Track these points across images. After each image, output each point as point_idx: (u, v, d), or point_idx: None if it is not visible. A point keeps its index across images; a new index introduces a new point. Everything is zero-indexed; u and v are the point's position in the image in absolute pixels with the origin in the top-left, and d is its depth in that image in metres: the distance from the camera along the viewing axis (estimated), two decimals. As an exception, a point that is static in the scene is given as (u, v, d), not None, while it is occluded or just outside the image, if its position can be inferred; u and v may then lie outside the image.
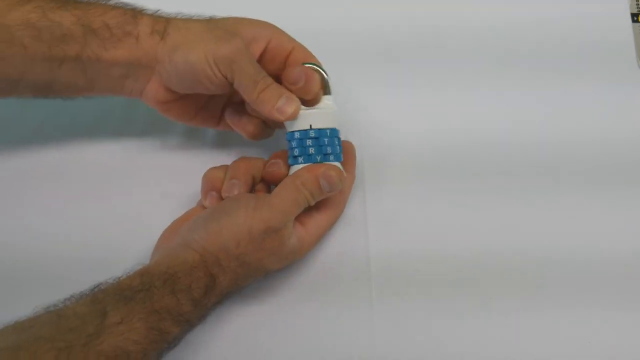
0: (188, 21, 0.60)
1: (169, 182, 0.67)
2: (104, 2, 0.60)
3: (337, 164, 0.61)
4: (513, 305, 0.64)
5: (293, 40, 0.63)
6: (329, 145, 0.61)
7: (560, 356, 0.62)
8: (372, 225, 0.67)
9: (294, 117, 0.60)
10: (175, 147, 0.70)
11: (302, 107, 0.60)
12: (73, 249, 0.65)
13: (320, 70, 0.61)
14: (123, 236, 0.65)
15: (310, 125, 0.60)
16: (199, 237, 0.57)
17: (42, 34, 0.56)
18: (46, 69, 0.58)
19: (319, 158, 0.60)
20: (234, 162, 0.63)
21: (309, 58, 0.62)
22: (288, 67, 0.62)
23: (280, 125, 0.63)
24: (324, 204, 0.62)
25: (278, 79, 0.62)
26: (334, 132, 0.61)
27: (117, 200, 0.67)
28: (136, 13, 0.59)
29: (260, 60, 0.62)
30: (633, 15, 0.79)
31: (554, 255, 0.66)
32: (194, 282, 0.55)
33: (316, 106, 0.61)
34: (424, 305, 0.64)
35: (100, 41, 0.58)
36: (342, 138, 0.64)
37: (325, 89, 0.62)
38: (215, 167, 0.63)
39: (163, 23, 0.59)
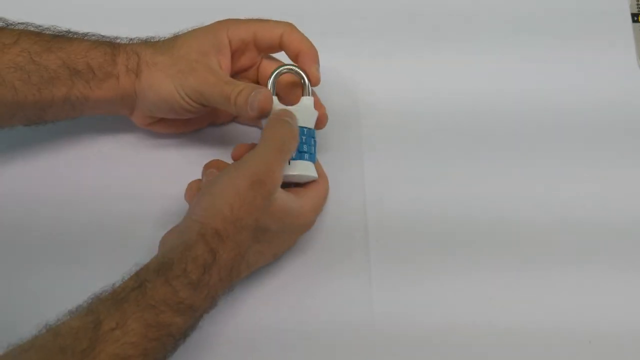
0: (155, 54, 0.62)
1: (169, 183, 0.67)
2: (83, 36, 0.63)
3: (311, 164, 0.62)
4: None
5: (255, 24, 0.64)
6: (305, 144, 0.61)
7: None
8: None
9: (265, 106, 0.60)
10: (175, 148, 0.71)
11: (280, 105, 0.62)
12: (71, 249, 0.66)
13: (300, 73, 0.63)
14: (121, 238, 0.66)
15: None
16: (196, 216, 0.56)
17: (32, 77, 0.60)
18: (36, 109, 0.61)
19: (293, 154, 0.61)
20: (207, 162, 0.64)
21: (302, 43, 0.63)
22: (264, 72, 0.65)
23: None
24: (312, 185, 0.63)
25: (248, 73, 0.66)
26: (310, 132, 0.62)
27: (115, 199, 0.68)
28: (114, 50, 0.62)
29: (235, 59, 0.64)
30: (633, 15, 0.78)
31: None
32: (189, 264, 0.54)
33: (295, 105, 0.63)
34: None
35: (85, 82, 0.61)
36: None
37: (305, 90, 0.63)
38: (195, 179, 0.64)
39: (135, 60, 0.62)
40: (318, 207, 0.63)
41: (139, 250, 0.61)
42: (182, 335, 0.55)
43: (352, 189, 0.68)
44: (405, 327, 0.63)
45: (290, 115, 0.60)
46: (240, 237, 0.56)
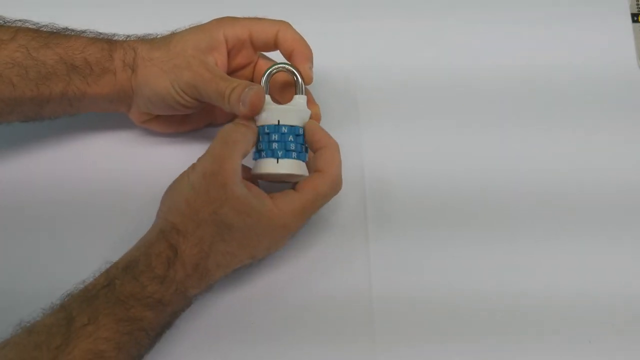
0: (151, 50, 0.63)
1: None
2: (80, 33, 0.64)
3: (299, 162, 0.62)
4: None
5: (251, 22, 0.64)
6: (293, 142, 0.61)
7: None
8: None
9: (256, 102, 0.59)
10: (174, 146, 0.71)
11: (271, 104, 0.62)
12: (67, 246, 0.66)
13: (294, 71, 0.63)
14: (118, 235, 0.66)
15: (279, 121, 0.61)
16: (160, 212, 0.59)
17: (29, 73, 0.60)
18: (34, 105, 0.62)
19: (280, 153, 0.61)
20: None
21: (297, 42, 0.63)
22: (258, 71, 0.66)
23: None
24: (303, 185, 0.60)
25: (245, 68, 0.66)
26: (297, 130, 0.62)
27: (111, 197, 0.68)
28: (111, 46, 0.63)
29: (232, 57, 0.65)
30: (633, 15, 0.78)
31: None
32: (153, 260, 0.55)
33: (287, 104, 0.63)
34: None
35: (82, 78, 0.62)
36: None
37: (297, 89, 0.63)
38: None
39: (132, 55, 0.63)
40: (299, 211, 0.60)
41: (131, 243, 0.61)
42: (155, 331, 0.56)
43: (352, 186, 0.68)
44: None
45: (246, 121, 0.60)
46: (200, 232, 0.57)
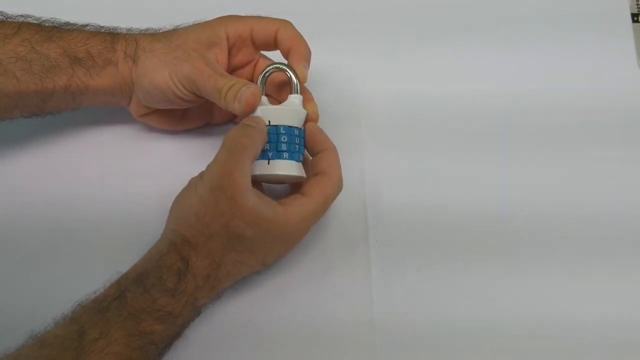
0: (153, 42, 0.63)
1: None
2: (82, 27, 0.64)
3: (292, 163, 0.61)
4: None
5: (253, 20, 0.64)
6: (285, 142, 0.61)
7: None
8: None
9: (251, 101, 0.59)
10: (174, 143, 0.71)
11: (267, 105, 0.62)
12: (67, 243, 0.66)
13: (288, 70, 0.63)
14: (118, 232, 0.66)
15: (269, 122, 0.61)
16: (169, 224, 0.58)
17: (33, 67, 0.60)
18: (38, 100, 0.62)
19: (271, 155, 0.60)
20: None
21: (295, 40, 0.63)
22: (257, 69, 0.66)
23: None
24: (311, 189, 0.60)
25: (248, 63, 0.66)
26: (292, 130, 0.61)
27: (112, 194, 0.68)
28: (113, 38, 0.63)
29: (233, 55, 0.65)
30: (633, 15, 0.79)
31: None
32: (164, 272, 0.55)
33: (282, 104, 0.63)
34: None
35: (85, 70, 0.62)
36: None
37: (292, 88, 0.63)
38: None
39: (133, 46, 0.63)
40: (311, 215, 0.60)
41: (135, 245, 0.62)
42: (165, 343, 0.55)
43: (352, 188, 0.68)
44: (406, 324, 0.63)
45: (255, 120, 0.60)
46: (212, 244, 0.57)
